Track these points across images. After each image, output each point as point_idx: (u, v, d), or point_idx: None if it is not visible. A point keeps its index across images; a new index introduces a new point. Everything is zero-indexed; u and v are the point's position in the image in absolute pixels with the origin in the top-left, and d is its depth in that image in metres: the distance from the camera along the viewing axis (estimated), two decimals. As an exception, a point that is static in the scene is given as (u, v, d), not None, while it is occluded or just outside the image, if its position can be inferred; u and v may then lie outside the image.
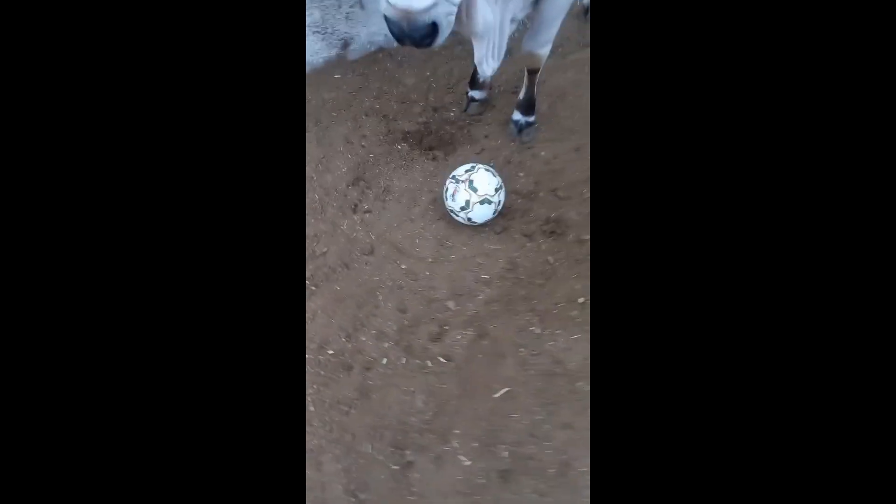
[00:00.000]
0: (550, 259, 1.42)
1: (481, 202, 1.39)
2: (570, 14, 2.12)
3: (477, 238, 1.48)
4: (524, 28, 1.33)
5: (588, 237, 1.46)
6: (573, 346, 1.25)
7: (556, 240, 1.47)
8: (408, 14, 0.77)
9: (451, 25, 0.86)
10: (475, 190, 1.38)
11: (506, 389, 1.19)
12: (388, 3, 0.78)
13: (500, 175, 1.48)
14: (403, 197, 1.60)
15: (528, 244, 1.47)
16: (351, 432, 1.15)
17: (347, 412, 1.17)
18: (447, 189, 1.44)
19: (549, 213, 1.53)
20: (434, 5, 0.77)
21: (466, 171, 1.42)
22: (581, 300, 1.33)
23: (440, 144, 1.74)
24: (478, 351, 1.26)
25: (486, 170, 1.43)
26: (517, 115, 1.68)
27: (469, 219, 1.43)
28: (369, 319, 1.30)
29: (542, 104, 1.78)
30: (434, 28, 0.80)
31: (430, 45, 0.83)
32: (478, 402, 1.18)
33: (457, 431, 1.13)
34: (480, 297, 1.36)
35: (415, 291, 1.37)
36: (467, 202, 1.39)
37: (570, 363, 1.22)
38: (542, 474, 1.07)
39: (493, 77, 1.79)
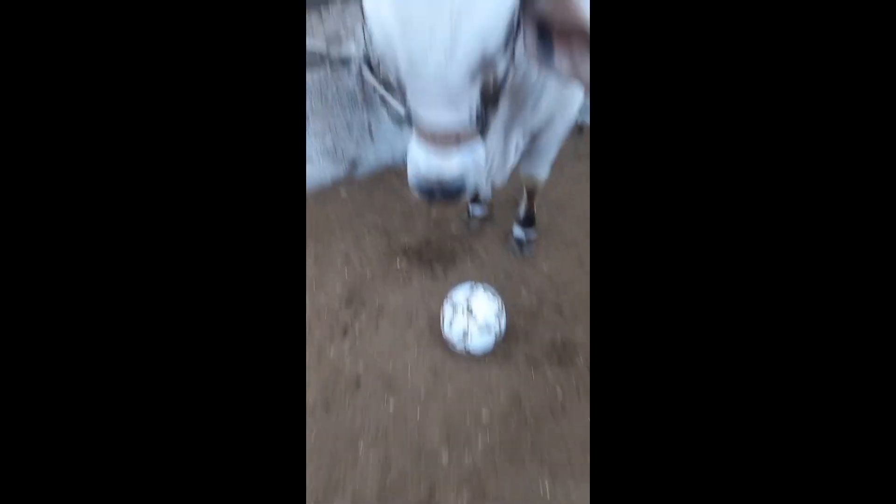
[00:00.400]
0: (559, 391, 1.24)
1: (480, 330, 1.26)
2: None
3: (476, 366, 1.33)
4: (524, 153, 1.32)
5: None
6: (592, 515, 1.01)
7: (564, 367, 1.30)
8: (440, 182, 0.75)
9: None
10: (474, 315, 1.26)
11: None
12: (418, 174, 0.75)
13: (501, 292, 1.37)
14: (398, 317, 1.50)
15: (534, 373, 1.30)
16: None
17: None
18: (444, 315, 1.33)
19: (555, 335, 1.38)
20: (464, 172, 0.75)
21: (465, 295, 1.31)
22: (598, 448, 1.12)
23: (440, 259, 1.68)
24: (475, 520, 1.04)
25: (486, 290, 1.32)
26: (517, 230, 1.62)
27: (468, 351, 1.30)
28: (346, 479, 1.12)
29: (541, 216, 1.74)
30: (463, 187, 0.78)
31: (458, 201, 0.83)
32: None
33: None
34: (479, 445, 1.17)
35: (402, 439, 1.19)
36: (465, 332, 1.27)
37: (590, 540, 0.98)
38: None
39: (492, 194, 1.78)
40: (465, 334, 1.27)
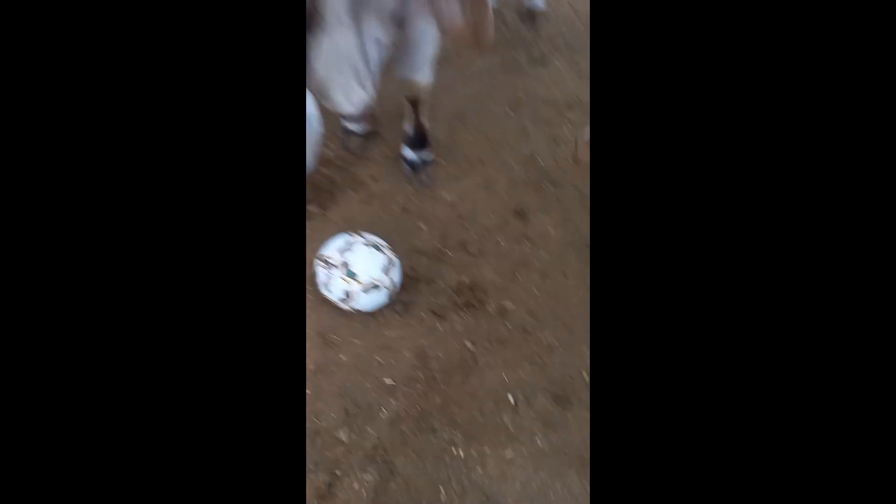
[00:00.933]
0: (469, 344, 1.12)
1: (366, 290, 1.04)
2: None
3: (374, 324, 1.13)
4: (394, 50, 0.99)
5: (511, 305, 1.17)
6: (507, 470, 0.96)
7: (474, 314, 1.16)
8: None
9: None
10: (354, 276, 1.02)
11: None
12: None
13: (395, 232, 1.13)
14: (270, 276, 1.19)
15: (440, 324, 1.15)
16: None
17: None
18: (318, 275, 1.06)
19: (461, 277, 1.22)
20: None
21: (340, 251, 1.05)
22: (511, 398, 1.05)
23: (316, 194, 1.34)
24: (384, 503, 0.92)
25: (367, 245, 1.07)
26: (408, 152, 1.33)
27: (354, 309, 1.08)
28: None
29: (438, 130, 1.45)
30: None
31: None
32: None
33: None
34: (384, 415, 1.02)
35: (289, 427, 0.99)
36: (347, 293, 1.03)
37: (506, 498, 0.93)
38: None
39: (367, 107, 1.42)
40: (347, 296, 1.04)
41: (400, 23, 0.89)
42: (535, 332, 1.13)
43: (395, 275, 1.09)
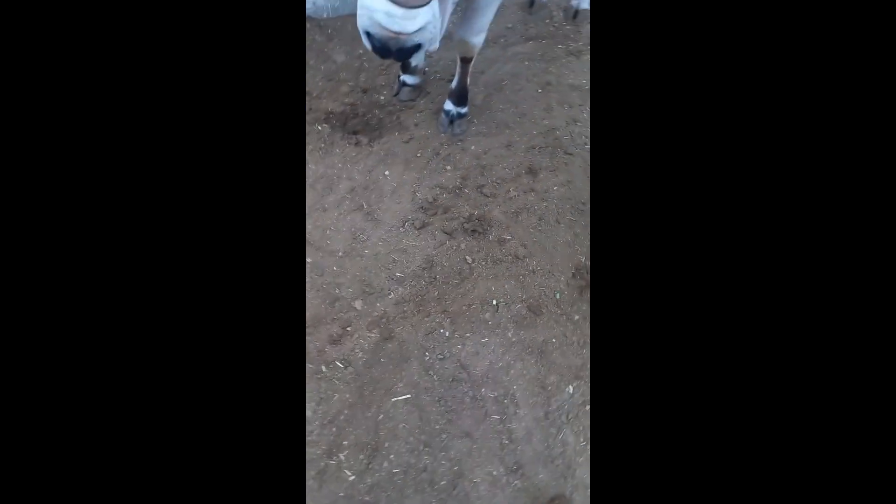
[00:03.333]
0: (468, 258, 1.36)
1: None
2: (515, 4, 2.07)
3: (395, 233, 1.39)
4: (458, 14, 1.24)
5: (509, 237, 1.41)
6: (480, 351, 1.20)
7: (477, 239, 1.40)
8: (398, 36, 0.73)
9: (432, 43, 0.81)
10: None
11: (406, 396, 1.12)
12: (376, 23, 0.72)
13: (426, 168, 1.37)
14: (318, 183, 1.47)
15: (448, 242, 1.39)
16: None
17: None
18: None
19: (473, 211, 1.46)
20: (423, 28, 0.73)
21: None
22: (495, 302, 1.28)
23: (366, 129, 1.62)
24: (380, 355, 1.17)
25: None
26: (449, 105, 1.59)
27: None
28: (260, 317, 1.18)
29: (477, 96, 1.71)
30: (418, 48, 0.78)
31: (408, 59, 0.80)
32: (373, 410, 1.10)
33: (345, 443, 1.05)
34: (391, 297, 1.27)
35: (318, 288, 1.26)
36: None
37: (475, 369, 1.17)
38: (431, 487, 1.01)
39: (427, 62, 1.69)
40: None
41: None
42: (524, 259, 1.36)
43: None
